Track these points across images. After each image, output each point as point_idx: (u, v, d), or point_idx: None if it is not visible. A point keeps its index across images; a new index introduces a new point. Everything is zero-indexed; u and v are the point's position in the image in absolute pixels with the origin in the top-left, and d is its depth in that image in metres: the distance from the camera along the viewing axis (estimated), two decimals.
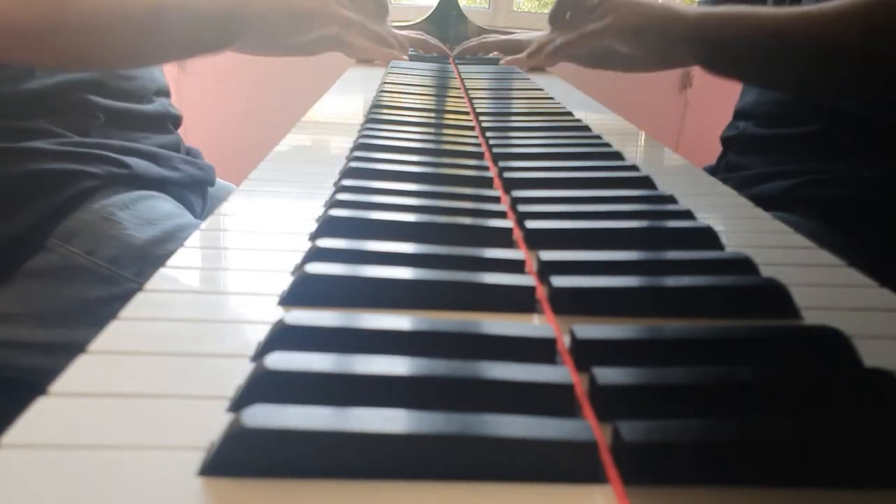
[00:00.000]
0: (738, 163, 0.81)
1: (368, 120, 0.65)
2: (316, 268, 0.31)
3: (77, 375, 0.24)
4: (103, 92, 0.69)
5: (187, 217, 0.69)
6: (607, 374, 0.24)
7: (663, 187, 0.48)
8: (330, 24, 0.71)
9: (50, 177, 0.62)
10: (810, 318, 0.31)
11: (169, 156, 0.74)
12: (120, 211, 0.63)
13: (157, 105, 0.77)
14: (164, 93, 0.81)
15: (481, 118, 0.69)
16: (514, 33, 1.22)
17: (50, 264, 0.60)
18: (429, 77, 0.95)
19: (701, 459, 0.21)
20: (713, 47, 0.68)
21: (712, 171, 0.88)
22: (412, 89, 0.83)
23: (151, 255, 0.61)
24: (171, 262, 0.34)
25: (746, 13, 0.66)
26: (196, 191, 0.80)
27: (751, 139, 0.80)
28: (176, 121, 0.81)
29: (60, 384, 0.23)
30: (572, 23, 0.84)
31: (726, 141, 0.86)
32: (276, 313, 0.29)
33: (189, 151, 0.83)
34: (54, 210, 0.62)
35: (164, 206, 0.68)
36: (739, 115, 0.85)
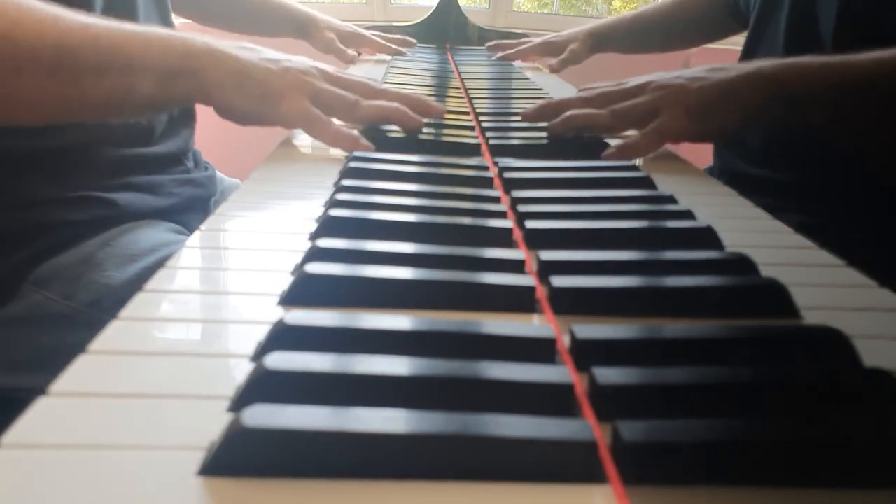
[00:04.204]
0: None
1: None
2: (316, 268, 0.31)
3: (77, 375, 0.24)
4: (113, 139, 0.63)
5: (179, 244, 0.63)
6: (607, 374, 0.24)
7: (663, 187, 0.48)
8: (294, 119, 0.54)
9: (33, 226, 0.59)
10: (810, 318, 0.31)
11: (165, 181, 0.69)
12: (100, 251, 0.59)
13: (169, 145, 0.69)
14: (184, 124, 0.74)
15: (481, 118, 0.69)
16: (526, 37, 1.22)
17: (27, 311, 0.57)
18: (429, 76, 0.95)
19: (700, 459, 0.21)
20: (804, 106, 0.57)
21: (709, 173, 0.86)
22: (412, 89, 0.82)
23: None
24: (171, 262, 0.34)
25: (841, 60, 0.57)
26: (196, 209, 0.75)
27: (741, 176, 0.74)
28: (187, 149, 0.75)
29: (60, 384, 0.23)
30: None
31: (710, 173, 0.81)
32: (276, 313, 0.29)
33: (195, 157, 0.78)
34: (32, 257, 0.58)
35: (148, 238, 0.61)
36: (723, 148, 0.81)
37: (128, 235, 0.62)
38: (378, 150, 0.53)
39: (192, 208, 0.74)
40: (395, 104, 0.58)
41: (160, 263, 0.60)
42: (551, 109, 0.62)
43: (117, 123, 0.61)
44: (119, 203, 0.63)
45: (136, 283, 0.58)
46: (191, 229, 0.72)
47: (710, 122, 0.57)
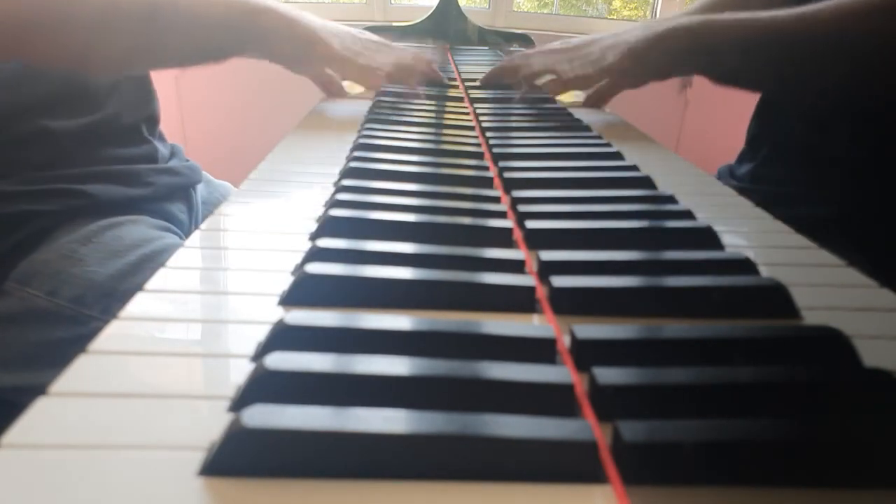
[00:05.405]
0: (766, 175, 0.77)
1: (368, 120, 0.65)
2: (316, 268, 0.31)
3: (77, 375, 0.24)
4: (58, 111, 0.65)
5: (164, 239, 0.64)
6: (607, 374, 0.24)
7: (663, 187, 0.48)
8: (328, 61, 0.72)
9: (2, 220, 0.59)
10: (810, 318, 0.31)
11: (140, 171, 0.70)
12: (82, 246, 0.60)
13: (120, 111, 0.71)
14: (133, 86, 0.74)
15: (481, 118, 0.69)
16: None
17: (9, 309, 0.57)
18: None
19: (700, 459, 0.21)
20: (715, 54, 0.67)
21: (729, 171, 0.84)
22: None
23: (118, 291, 0.57)
24: (171, 262, 0.34)
25: (748, 17, 0.65)
26: (178, 198, 0.75)
27: (788, 148, 0.76)
28: (152, 126, 0.76)
29: (60, 384, 0.23)
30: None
31: (755, 139, 0.81)
32: (277, 313, 0.29)
33: (173, 150, 0.79)
34: (9, 252, 0.59)
35: (132, 234, 0.63)
36: (773, 112, 0.80)
37: (111, 231, 0.62)
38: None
39: (173, 197, 0.74)
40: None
41: (144, 259, 0.61)
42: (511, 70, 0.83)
43: (53, 93, 0.65)
44: (91, 193, 0.64)
45: (120, 279, 0.59)
46: (174, 219, 0.72)
47: (646, 65, 0.71)
